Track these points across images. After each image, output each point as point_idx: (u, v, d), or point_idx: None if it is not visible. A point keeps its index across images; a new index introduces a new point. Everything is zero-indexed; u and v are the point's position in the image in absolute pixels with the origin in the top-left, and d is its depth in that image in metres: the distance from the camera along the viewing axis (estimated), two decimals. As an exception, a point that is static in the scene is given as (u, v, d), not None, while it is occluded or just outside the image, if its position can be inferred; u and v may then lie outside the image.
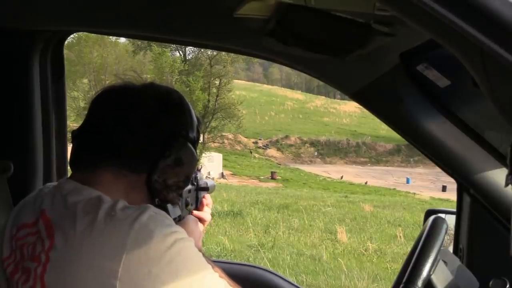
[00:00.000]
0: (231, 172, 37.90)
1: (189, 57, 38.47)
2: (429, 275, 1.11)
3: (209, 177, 1.48)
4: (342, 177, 37.81)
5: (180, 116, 1.04)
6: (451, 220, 1.48)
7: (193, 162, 1.03)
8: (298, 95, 77.29)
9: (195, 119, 1.07)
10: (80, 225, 0.90)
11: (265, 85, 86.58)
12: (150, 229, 0.88)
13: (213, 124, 36.63)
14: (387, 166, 46.88)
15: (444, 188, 30.16)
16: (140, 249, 0.86)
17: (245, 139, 49.73)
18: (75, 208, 0.93)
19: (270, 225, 11.45)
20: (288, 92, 78.60)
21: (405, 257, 1.32)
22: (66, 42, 1.85)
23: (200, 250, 0.99)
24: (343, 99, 69.27)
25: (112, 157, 0.98)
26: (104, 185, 0.97)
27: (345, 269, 7.89)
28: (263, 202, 14.95)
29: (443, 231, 1.17)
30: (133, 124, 0.98)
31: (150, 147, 0.98)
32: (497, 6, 0.49)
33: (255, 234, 10.35)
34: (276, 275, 2.00)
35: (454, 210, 1.54)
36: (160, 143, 0.99)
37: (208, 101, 35.82)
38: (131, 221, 0.88)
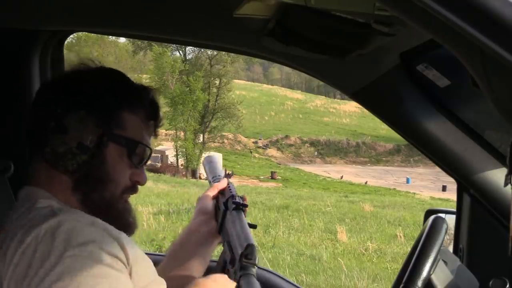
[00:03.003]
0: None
1: (189, 56, 38.51)
2: (429, 275, 1.11)
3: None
4: (342, 177, 37.82)
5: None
6: (451, 220, 1.48)
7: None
8: (298, 95, 77.25)
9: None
10: None
11: (265, 85, 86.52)
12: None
13: (213, 124, 36.64)
14: (387, 166, 46.88)
15: (444, 188, 30.18)
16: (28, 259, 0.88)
17: (245, 139, 49.73)
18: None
19: (270, 225, 11.45)
20: (288, 92, 78.56)
21: (405, 257, 1.32)
22: (66, 42, 1.85)
23: None
24: (343, 99, 69.25)
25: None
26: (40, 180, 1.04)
27: (345, 269, 7.89)
28: (263, 202, 14.95)
29: (443, 231, 1.17)
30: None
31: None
32: (497, 6, 0.49)
33: (255, 234, 10.34)
34: (276, 275, 2.00)
35: (454, 210, 1.54)
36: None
37: (208, 101, 35.84)
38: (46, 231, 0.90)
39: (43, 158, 1.02)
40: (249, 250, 1.04)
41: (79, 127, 1.01)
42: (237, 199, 1.21)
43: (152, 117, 1.12)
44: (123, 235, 0.95)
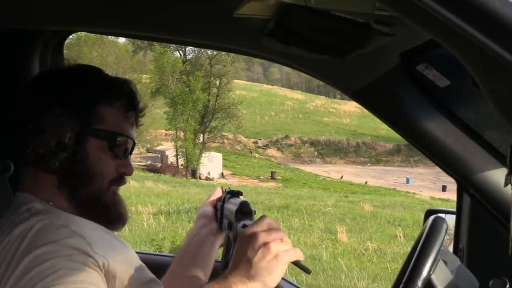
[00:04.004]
0: (231, 172, 37.90)
1: (189, 56, 38.52)
2: (429, 275, 1.11)
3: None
4: (342, 177, 37.84)
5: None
6: (451, 220, 1.48)
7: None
8: (298, 95, 77.28)
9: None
10: None
11: (265, 85, 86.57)
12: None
13: (213, 124, 36.64)
14: (387, 166, 46.89)
15: (444, 188, 30.21)
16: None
17: (245, 139, 49.75)
18: None
19: (270, 225, 11.42)
20: (288, 92, 78.59)
21: (405, 257, 1.32)
22: (66, 42, 1.85)
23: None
24: (343, 99, 69.31)
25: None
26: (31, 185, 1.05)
27: (345, 269, 7.89)
28: (263, 202, 14.94)
29: (443, 231, 1.17)
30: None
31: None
32: (497, 6, 0.49)
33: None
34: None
35: (454, 210, 1.54)
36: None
37: (208, 101, 35.84)
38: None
39: (27, 160, 1.04)
40: (243, 206, 1.13)
41: (56, 126, 1.02)
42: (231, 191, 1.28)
43: (131, 108, 1.13)
44: (95, 235, 0.97)
